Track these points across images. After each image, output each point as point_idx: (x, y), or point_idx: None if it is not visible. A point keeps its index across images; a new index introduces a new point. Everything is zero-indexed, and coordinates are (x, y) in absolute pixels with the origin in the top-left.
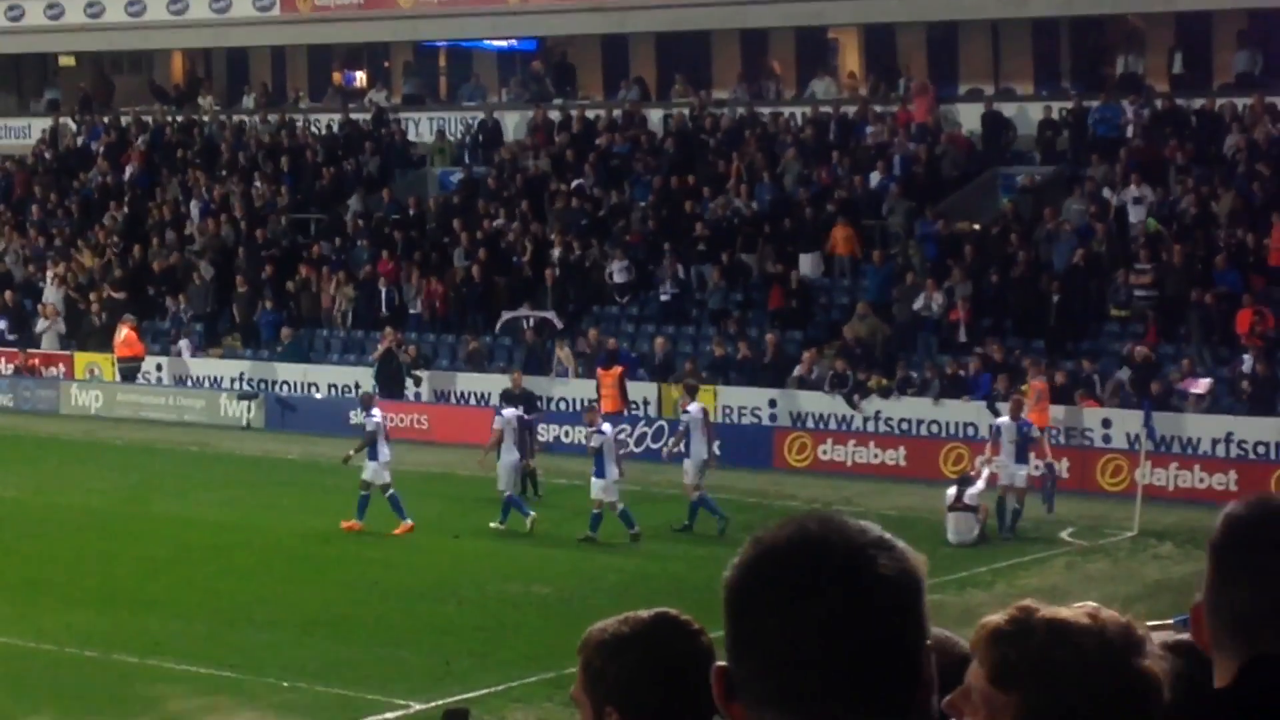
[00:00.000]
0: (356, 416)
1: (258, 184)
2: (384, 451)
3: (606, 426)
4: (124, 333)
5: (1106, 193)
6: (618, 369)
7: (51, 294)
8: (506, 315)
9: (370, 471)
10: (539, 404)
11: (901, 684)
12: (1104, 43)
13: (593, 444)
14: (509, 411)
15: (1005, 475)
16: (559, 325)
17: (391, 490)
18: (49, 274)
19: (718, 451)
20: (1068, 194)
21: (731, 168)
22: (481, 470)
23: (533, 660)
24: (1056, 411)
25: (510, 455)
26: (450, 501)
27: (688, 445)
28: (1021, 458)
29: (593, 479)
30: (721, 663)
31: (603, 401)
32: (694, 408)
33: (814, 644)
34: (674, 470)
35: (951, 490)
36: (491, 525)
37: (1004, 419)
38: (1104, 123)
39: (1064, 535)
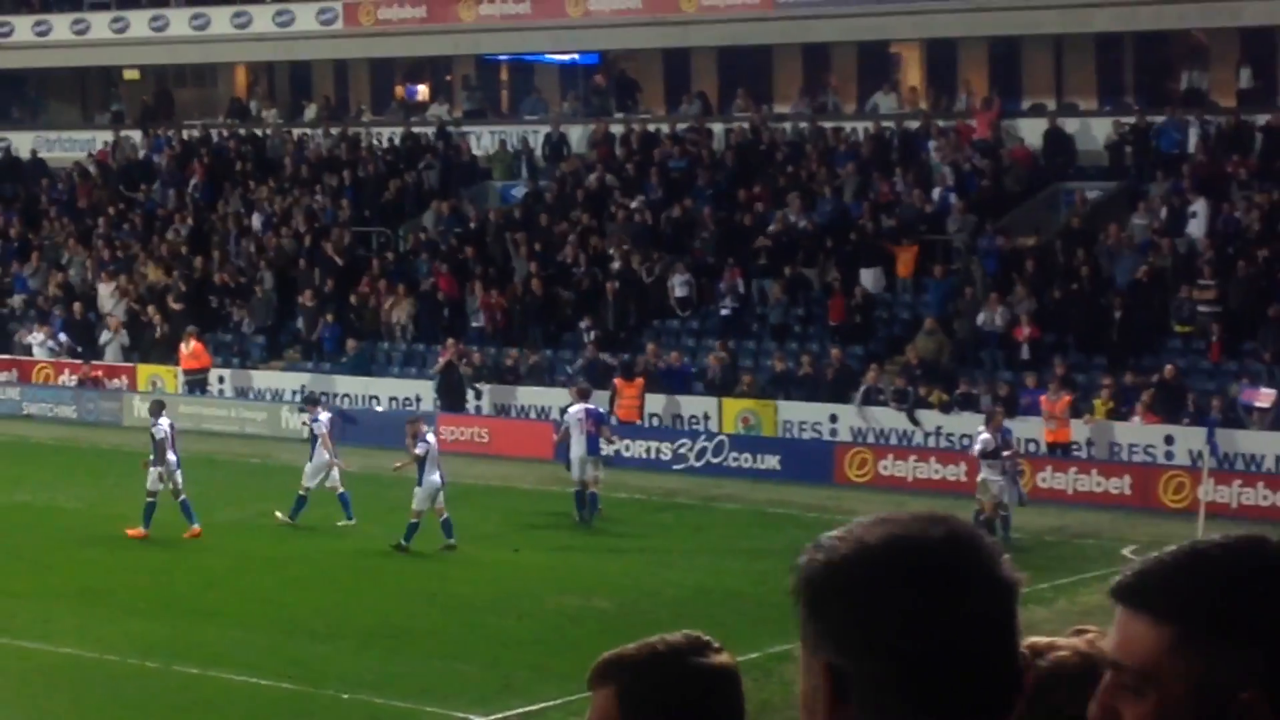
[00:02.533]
0: None
1: (319, 197)
2: (170, 458)
3: (430, 437)
4: (191, 344)
5: (1169, 208)
6: (639, 381)
7: (110, 304)
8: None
9: (150, 479)
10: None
11: (1014, 688)
12: (1168, 58)
13: (417, 451)
14: (324, 416)
15: (984, 489)
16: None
17: (153, 500)
18: (109, 286)
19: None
20: (1131, 209)
21: (793, 181)
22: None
23: None
24: (1119, 428)
25: (320, 458)
26: (510, 515)
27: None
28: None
29: (415, 489)
30: (828, 659)
31: (621, 413)
32: (575, 409)
33: (961, 644)
34: (734, 484)
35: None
36: (278, 515)
37: (984, 434)
38: (1167, 138)
39: (1126, 552)
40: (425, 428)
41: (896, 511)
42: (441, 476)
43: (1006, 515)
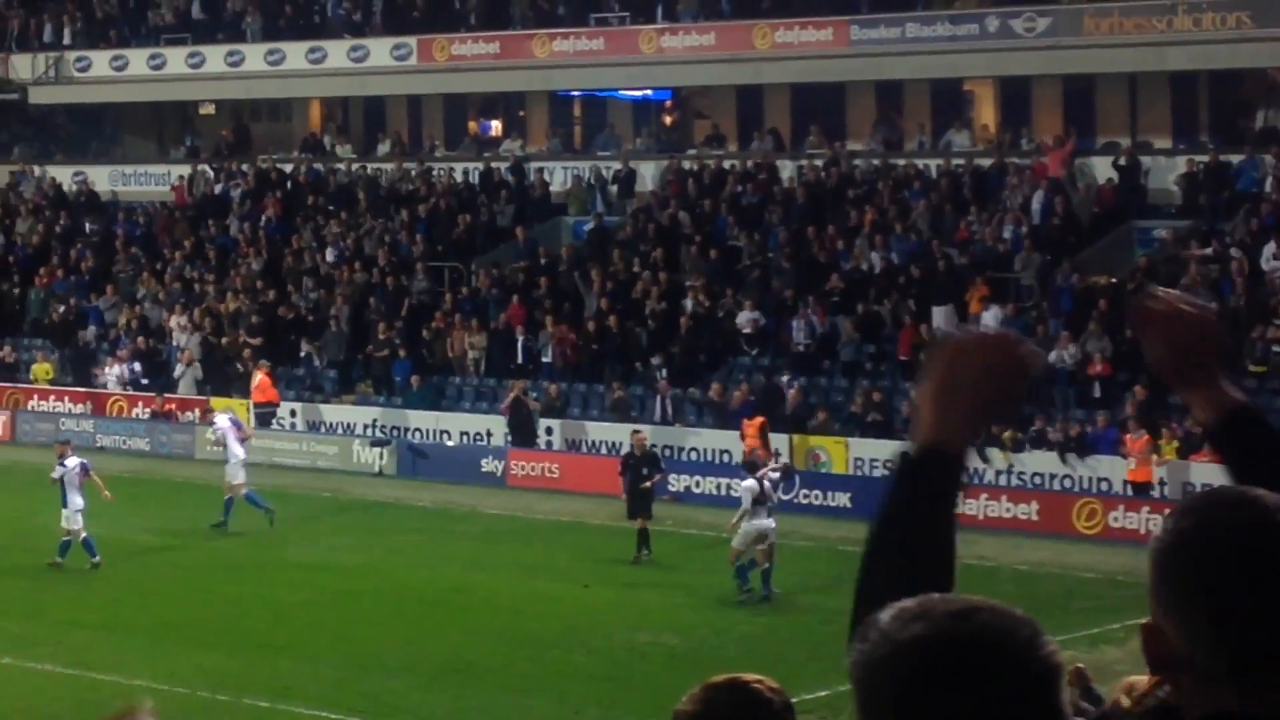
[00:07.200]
0: (487, 464)
1: (393, 232)
2: (75, 500)
3: (70, 460)
4: (258, 378)
5: (1244, 248)
6: (759, 419)
7: (184, 339)
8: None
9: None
10: (662, 465)
11: None
12: (1243, 96)
13: (53, 475)
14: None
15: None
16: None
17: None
18: (180, 319)
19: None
20: (1205, 248)
21: (865, 219)
22: None
23: (660, 711)
24: (1192, 467)
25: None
26: (580, 550)
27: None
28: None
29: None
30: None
31: (748, 451)
32: (220, 419)
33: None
34: (805, 521)
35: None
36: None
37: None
38: (1243, 177)
39: None
40: (69, 451)
41: (933, 602)
42: (83, 496)
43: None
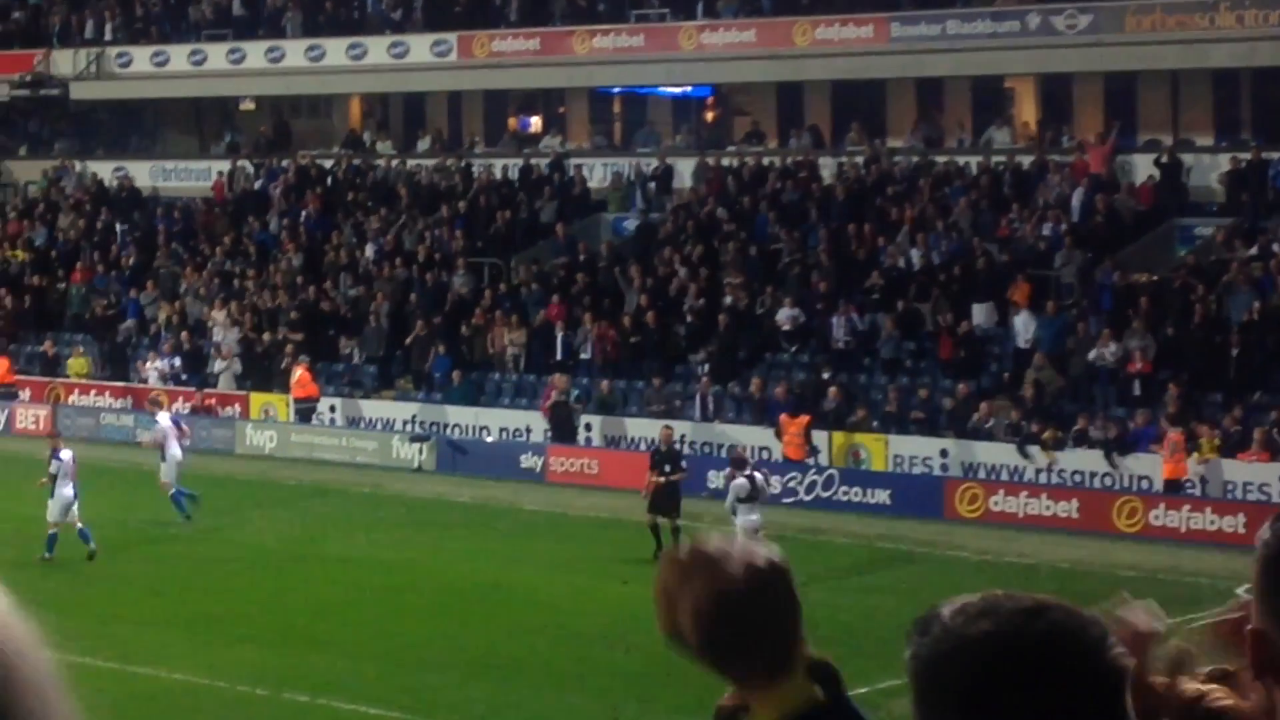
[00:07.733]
0: (526, 460)
1: (433, 228)
2: (65, 492)
3: (65, 453)
4: (298, 373)
5: None
6: (804, 418)
7: (224, 334)
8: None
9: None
10: (683, 463)
11: None
12: None
13: (50, 470)
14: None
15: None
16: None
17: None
18: (219, 314)
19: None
20: (1247, 246)
21: (905, 216)
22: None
23: (701, 708)
24: (1231, 466)
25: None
26: (620, 546)
27: (164, 449)
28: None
29: (49, 501)
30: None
31: (786, 449)
32: (162, 415)
33: None
34: (844, 518)
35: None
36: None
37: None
38: None
39: (1240, 591)
40: (61, 445)
41: (998, 599)
42: (75, 490)
43: None
